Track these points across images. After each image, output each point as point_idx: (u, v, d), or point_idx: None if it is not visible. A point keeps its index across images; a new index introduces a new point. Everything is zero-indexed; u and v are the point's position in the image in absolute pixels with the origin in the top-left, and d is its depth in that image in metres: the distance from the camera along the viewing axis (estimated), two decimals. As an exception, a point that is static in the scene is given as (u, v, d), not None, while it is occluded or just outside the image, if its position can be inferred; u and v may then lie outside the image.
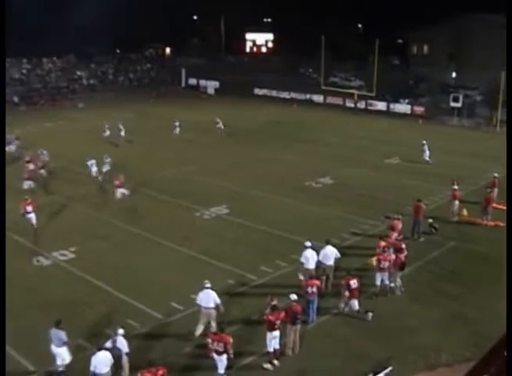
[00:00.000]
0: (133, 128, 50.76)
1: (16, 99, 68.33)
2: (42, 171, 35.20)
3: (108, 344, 15.12)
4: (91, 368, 14.42)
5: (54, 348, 15.51)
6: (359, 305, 18.82)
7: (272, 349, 16.00)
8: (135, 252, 24.03)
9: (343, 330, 17.96)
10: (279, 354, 16.23)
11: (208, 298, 17.28)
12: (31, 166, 34.72)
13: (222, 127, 48.99)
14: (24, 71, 77.02)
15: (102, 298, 19.93)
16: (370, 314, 18.68)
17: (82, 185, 33.73)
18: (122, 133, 46.17)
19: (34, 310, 19.14)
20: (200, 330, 17.19)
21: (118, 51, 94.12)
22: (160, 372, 13.67)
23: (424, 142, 39.55)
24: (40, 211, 27.91)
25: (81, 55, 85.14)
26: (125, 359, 15.19)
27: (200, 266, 22.42)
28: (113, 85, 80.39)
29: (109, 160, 36.22)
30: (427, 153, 38.99)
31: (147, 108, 63.32)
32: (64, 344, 15.50)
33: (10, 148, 41.05)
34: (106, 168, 35.74)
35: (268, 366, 16.00)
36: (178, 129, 48.12)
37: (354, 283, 18.76)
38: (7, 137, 42.56)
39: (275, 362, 16.09)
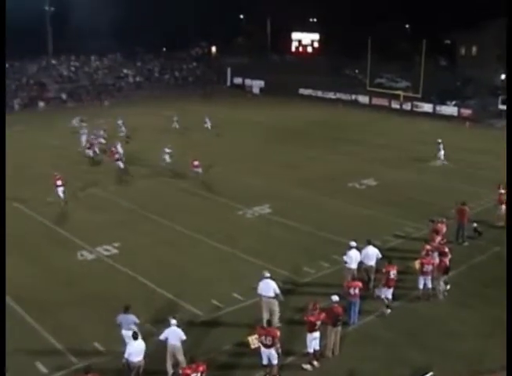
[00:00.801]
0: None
1: (63, 96, 69.53)
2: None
3: (162, 336, 15.48)
4: (126, 355, 14.75)
5: (124, 332, 16.04)
6: (388, 297, 18.88)
7: (312, 350, 15.98)
8: (177, 249, 24.27)
9: (384, 333, 17.80)
10: (318, 355, 16.19)
11: (268, 288, 17.60)
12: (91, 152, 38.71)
13: (210, 127, 49.04)
14: (73, 69, 78.31)
15: (143, 294, 20.16)
16: (388, 311, 18.75)
17: (129, 180, 34.42)
18: (123, 128, 47.43)
19: (77, 304, 19.50)
20: (265, 317, 17.25)
21: (164, 49, 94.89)
22: (201, 368, 13.78)
23: (440, 140, 39.45)
24: (84, 204, 28.42)
25: (127, 53, 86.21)
26: (179, 347, 15.41)
27: (241, 265, 22.52)
28: (159, 83, 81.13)
29: (169, 151, 36.55)
30: (442, 152, 38.81)
31: (192, 106, 63.69)
32: (136, 325, 16.03)
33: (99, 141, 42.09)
34: (166, 160, 36.25)
35: (307, 366, 15.99)
36: (175, 124, 49.52)
37: (393, 273, 18.81)
38: (96, 132, 43.58)
39: (315, 363, 16.06)
